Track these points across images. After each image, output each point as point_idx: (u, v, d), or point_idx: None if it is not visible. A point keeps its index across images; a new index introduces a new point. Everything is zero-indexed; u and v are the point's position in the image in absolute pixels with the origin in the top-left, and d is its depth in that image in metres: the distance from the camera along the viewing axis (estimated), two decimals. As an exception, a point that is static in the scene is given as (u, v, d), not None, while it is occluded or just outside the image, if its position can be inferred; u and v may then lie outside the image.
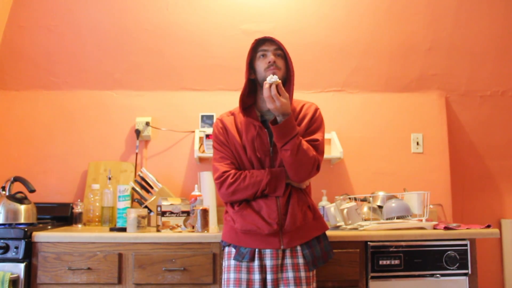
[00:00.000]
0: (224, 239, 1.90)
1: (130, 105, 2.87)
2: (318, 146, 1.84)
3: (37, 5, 2.78)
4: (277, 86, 1.71)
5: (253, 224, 1.79)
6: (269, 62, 1.83)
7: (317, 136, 1.86)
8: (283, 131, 1.73)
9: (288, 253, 1.80)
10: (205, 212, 2.18)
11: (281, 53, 1.87)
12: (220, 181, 1.85)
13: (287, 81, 1.88)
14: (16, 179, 2.34)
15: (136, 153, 2.81)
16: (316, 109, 1.93)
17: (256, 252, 1.79)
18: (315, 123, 1.89)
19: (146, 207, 2.49)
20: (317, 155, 1.81)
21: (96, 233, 2.14)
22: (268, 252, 1.79)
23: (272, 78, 1.70)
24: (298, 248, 1.82)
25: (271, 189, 1.80)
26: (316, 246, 1.85)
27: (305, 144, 1.78)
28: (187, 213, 2.26)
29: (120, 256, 2.10)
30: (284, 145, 1.75)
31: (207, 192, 2.47)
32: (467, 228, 2.24)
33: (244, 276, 1.79)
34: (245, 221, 1.81)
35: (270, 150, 1.85)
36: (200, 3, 2.84)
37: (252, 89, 1.93)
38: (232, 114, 1.97)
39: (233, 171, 1.85)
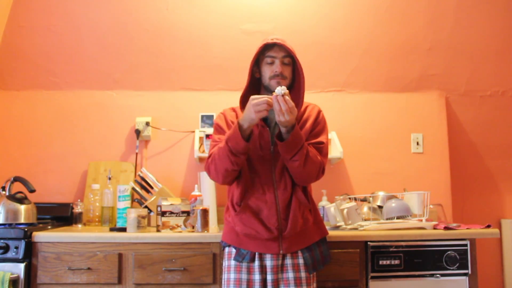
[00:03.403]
0: (224, 240, 1.90)
1: (130, 105, 2.87)
2: (323, 149, 1.83)
3: (37, 5, 2.78)
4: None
5: (252, 229, 1.79)
6: (276, 72, 1.79)
7: (321, 138, 1.85)
8: (291, 146, 1.71)
9: (288, 254, 1.80)
10: (205, 212, 2.19)
11: (290, 60, 1.82)
12: (206, 168, 1.84)
13: (295, 87, 1.86)
14: (16, 179, 2.33)
15: (136, 153, 2.80)
16: (319, 111, 1.93)
17: (256, 254, 1.79)
18: (319, 125, 1.89)
19: (146, 207, 2.49)
20: (322, 159, 1.80)
21: (96, 233, 2.14)
22: (268, 254, 1.79)
23: (283, 90, 1.63)
24: (298, 250, 1.82)
25: (233, 145, 1.70)
26: (316, 249, 1.85)
27: (311, 151, 1.76)
28: (187, 213, 2.26)
29: (120, 256, 2.10)
30: (292, 157, 1.72)
31: (207, 192, 2.48)
32: (467, 228, 2.24)
33: (244, 276, 1.79)
34: (244, 225, 1.80)
35: (271, 149, 1.84)
36: (200, 3, 2.84)
37: (255, 87, 1.89)
38: (234, 110, 1.95)
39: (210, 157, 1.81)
